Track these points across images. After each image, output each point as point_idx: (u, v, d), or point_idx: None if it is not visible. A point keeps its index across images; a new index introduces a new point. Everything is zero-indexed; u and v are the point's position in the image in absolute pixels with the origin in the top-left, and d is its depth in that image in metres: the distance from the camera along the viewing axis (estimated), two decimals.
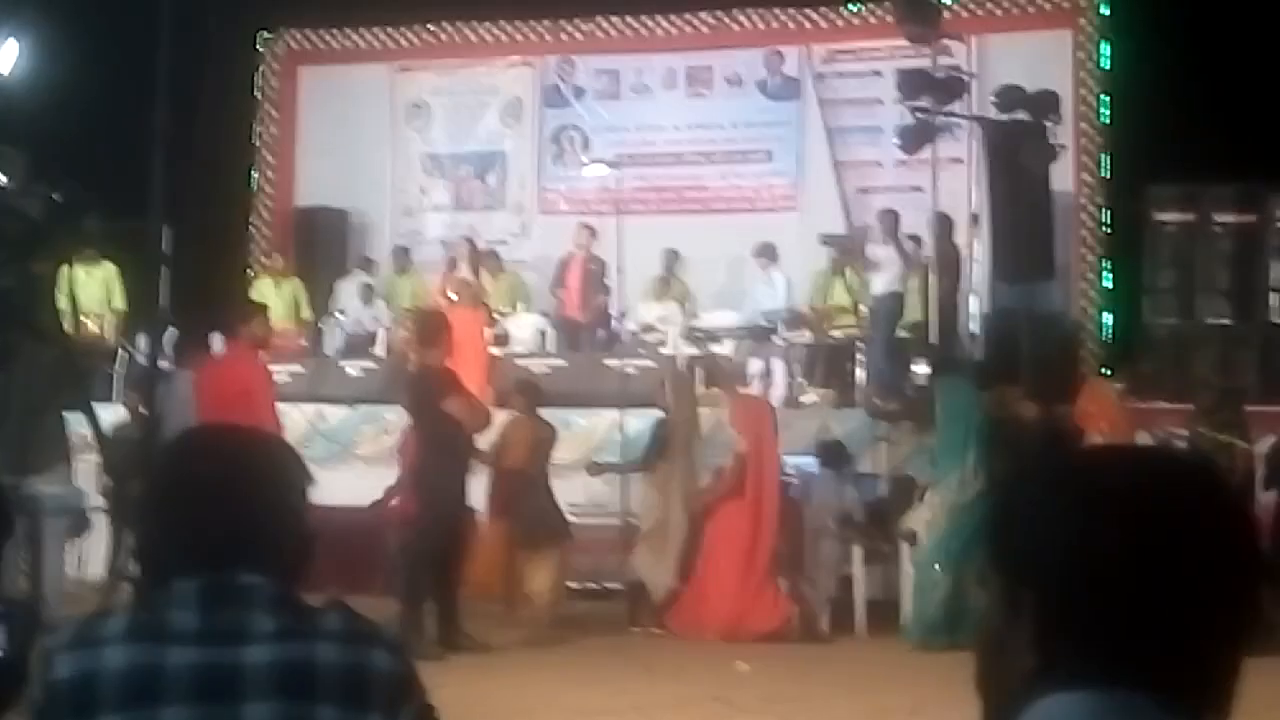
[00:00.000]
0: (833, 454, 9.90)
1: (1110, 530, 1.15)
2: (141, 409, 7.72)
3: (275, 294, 13.49)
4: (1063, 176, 12.78)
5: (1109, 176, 13.68)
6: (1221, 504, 1.18)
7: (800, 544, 9.27)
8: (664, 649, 8.43)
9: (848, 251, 12.41)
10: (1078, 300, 13.61)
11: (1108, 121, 13.72)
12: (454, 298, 12.64)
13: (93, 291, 12.47)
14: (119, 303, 12.50)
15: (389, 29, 15.79)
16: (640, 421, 10.71)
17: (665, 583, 9.05)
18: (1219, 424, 9.49)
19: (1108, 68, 13.79)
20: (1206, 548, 1.15)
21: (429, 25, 15.63)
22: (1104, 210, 13.72)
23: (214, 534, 1.88)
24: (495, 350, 12.95)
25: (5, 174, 5.89)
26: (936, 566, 8.64)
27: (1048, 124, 11.61)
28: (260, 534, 1.90)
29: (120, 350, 12.57)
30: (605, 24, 15.34)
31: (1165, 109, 12.12)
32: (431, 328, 8.79)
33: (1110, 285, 13.58)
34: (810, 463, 10.14)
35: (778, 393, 12.46)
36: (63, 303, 7.84)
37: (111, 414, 9.85)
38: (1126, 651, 1.13)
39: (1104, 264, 13.66)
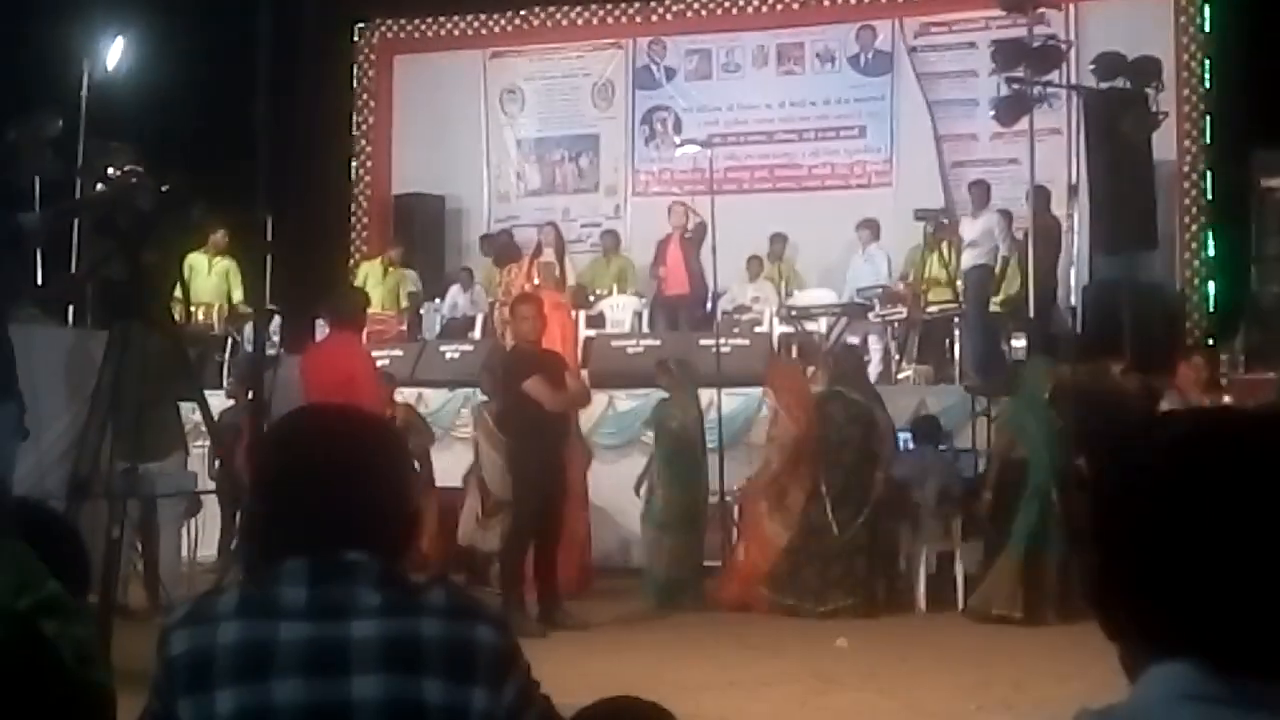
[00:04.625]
0: (927, 430, 9.84)
1: (1214, 500, 1.13)
2: (249, 395, 7.91)
3: (382, 281, 13.76)
4: (1165, 144, 12.53)
5: (1212, 143, 13.40)
6: None
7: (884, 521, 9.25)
8: (760, 625, 8.45)
9: (942, 226, 12.30)
10: (1181, 270, 13.36)
11: (1210, 87, 13.42)
12: (536, 281, 12.77)
13: (211, 283, 12.73)
14: (238, 295, 12.72)
15: (480, 15, 15.94)
16: (736, 400, 10.75)
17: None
18: None
19: (1210, 31, 13.49)
20: None
21: (520, 11, 15.74)
22: (1208, 177, 13.44)
23: (321, 513, 1.93)
24: (590, 332, 13.05)
25: (115, 167, 6.05)
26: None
27: (1149, 91, 11.38)
28: (366, 512, 1.95)
29: (229, 338, 12.85)
30: (695, 3, 15.33)
31: (1270, 72, 11.83)
32: (517, 310, 8.89)
33: (1215, 254, 13.32)
34: (905, 438, 10.09)
35: (874, 369, 12.42)
36: (175, 293, 8.05)
37: (221, 401, 10.11)
38: (1231, 623, 1.13)
39: (1208, 232, 13.39)
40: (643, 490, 9.72)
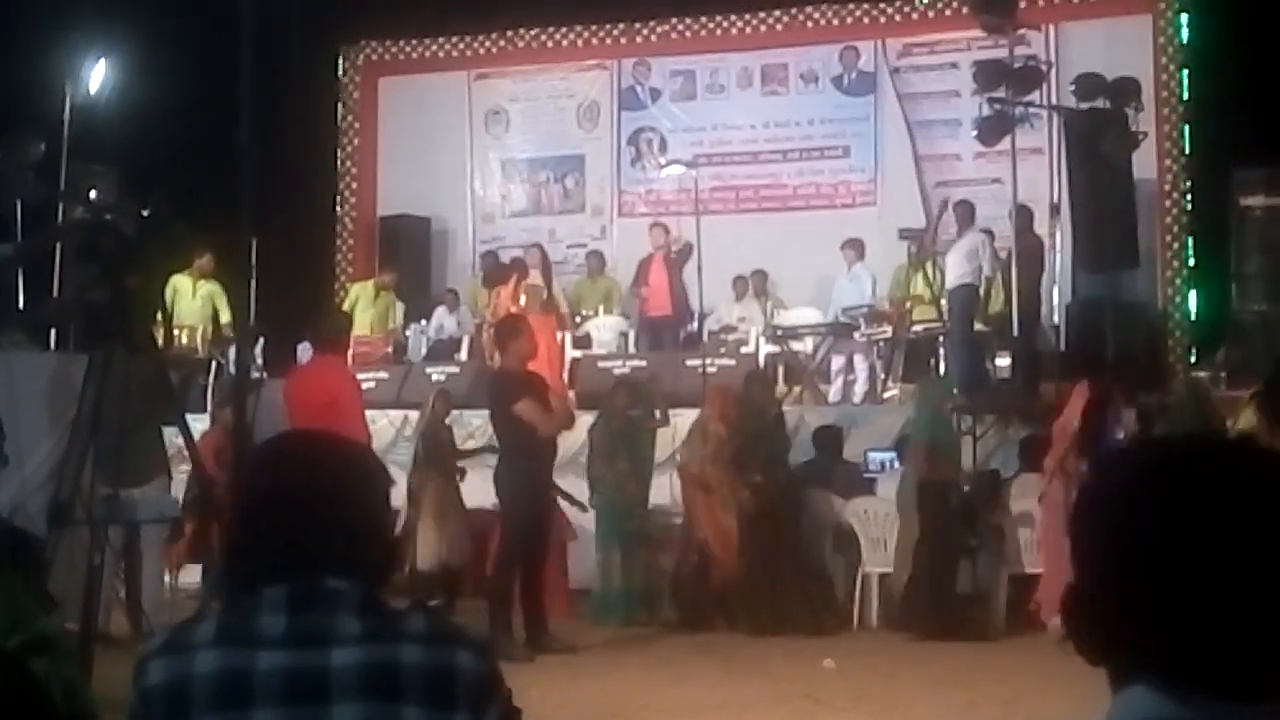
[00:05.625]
0: None
1: (1175, 526, 1.15)
2: (232, 419, 7.87)
3: (373, 303, 13.75)
4: (1145, 163, 12.61)
5: (1192, 162, 13.47)
6: None
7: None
8: (748, 647, 8.43)
9: (926, 245, 12.34)
10: (1163, 288, 13.41)
11: (1189, 106, 13.50)
12: (522, 301, 12.77)
13: (195, 306, 12.68)
14: (224, 318, 12.66)
15: (466, 37, 15.97)
16: None
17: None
18: None
19: (1188, 51, 13.57)
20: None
21: (505, 32, 15.78)
22: (1188, 196, 13.51)
23: (300, 540, 1.91)
24: (576, 353, 13.05)
25: (98, 190, 6.04)
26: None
27: (1129, 111, 11.48)
28: (345, 539, 1.93)
29: (214, 361, 12.80)
30: (680, 25, 15.39)
31: (1248, 92, 11.91)
32: (505, 332, 8.88)
33: (1196, 272, 13.37)
34: (892, 457, 10.10)
35: (860, 388, 12.44)
36: (157, 316, 8.01)
37: (204, 425, 10.06)
38: (1205, 648, 1.14)
39: (1189, 250, 13.46)
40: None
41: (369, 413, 8.50)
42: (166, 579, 8.57)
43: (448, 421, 10.28)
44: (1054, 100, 12.19)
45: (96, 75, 13.18)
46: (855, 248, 13.18)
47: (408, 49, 16.32)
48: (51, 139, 11.26)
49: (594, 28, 15.58)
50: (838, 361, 12.67)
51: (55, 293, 10.57)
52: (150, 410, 6.79)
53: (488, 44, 15.97)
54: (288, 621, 1.87)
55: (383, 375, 12.39)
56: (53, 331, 10.66)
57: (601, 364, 12.45)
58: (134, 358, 5.77)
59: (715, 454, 9.39)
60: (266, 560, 1.93)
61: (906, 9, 14.61)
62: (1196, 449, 1.24)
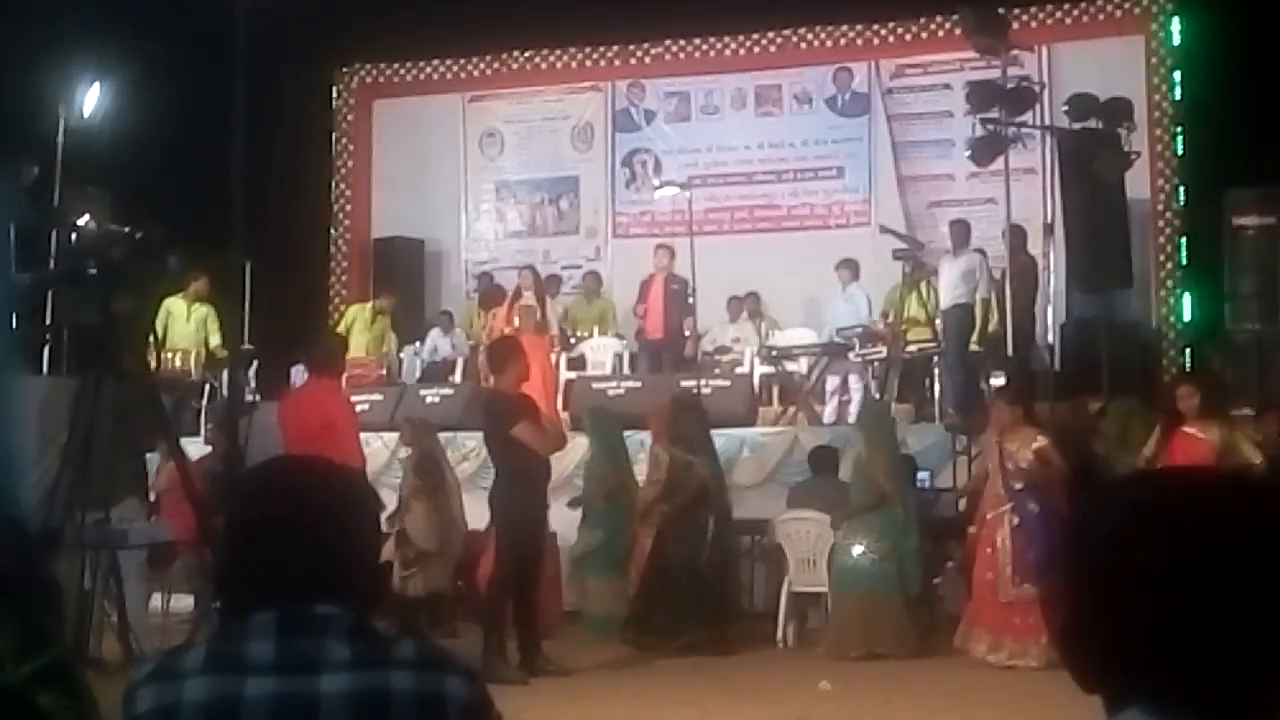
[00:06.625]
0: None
1: (1177, 553, 1.18)
2: (225, 442, 7.84)
3: (369, 327, 13.72)
4: (1138, 183, 12.63)
5: (1185, 182, 13.50)
6: None
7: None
8: (743, 669, 8.41)
9: (920, 265, 12.35)
10: (1157, 308, 13.43)
11: (1182, 127, 13.54)
12: (516, 323, 12.77)
13: (189, 330, 12.63)
14: (216, 341, 12.62)
15: (459, 60, 16.00)
16: (717, 441, 10.72)
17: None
18: None
19: (1181, 73, 13.62)
20: (1270, 574, 1.17)
21: (499, 55, 15.81)
22: (1181, 216, 13.54)
23: (289, 566, 1.91)
24: (571, 374, 13.03)
25: (89, 214, 6.03)
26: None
27: (1121, 131, 11.51)
28: (335, 565, 1.93)
29: (207, 384, 12.76)
30: (673, 47, 15.42)
31: (1241, 112, 11.95)
32: (501, 354, 8.85)
33: (1189, 292, 13.39)
34: None
35: (855, 409, 12.42)
36: (148, 340, 7.98)
37: (200, 448, 10.04)
38: (1197, 673, 1.16)
39: (1183, 270, 13.48)
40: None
41: (363, 435, 8.48)
42: (155, 603, 8.52)
43: (428, 446, 10.27)
44: (1047, 121, 12.21)
45: (90, 99, 13.20)
46: (849, 268, 13.19)
47: (402, 72, 16.36)
48: (45, 163, 11.25)
49: (588, 50, 15.61)
50: (832, 382, 12.67)
51: (46, 318, 10.55)
52: (137, 432, 6.76)
53: (482, 66, 16.00)
54: (277, 648, 1.86)
55: (377, 398, 12.37)
56: (45, 352, 10.64)
57: (596, 385, 12.44)
58: (123, 383, 5.75)
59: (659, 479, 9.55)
60: (256, 586, 1.92)
61: (900, 30, 14.66)
62: (1187, 483, 1.27)
